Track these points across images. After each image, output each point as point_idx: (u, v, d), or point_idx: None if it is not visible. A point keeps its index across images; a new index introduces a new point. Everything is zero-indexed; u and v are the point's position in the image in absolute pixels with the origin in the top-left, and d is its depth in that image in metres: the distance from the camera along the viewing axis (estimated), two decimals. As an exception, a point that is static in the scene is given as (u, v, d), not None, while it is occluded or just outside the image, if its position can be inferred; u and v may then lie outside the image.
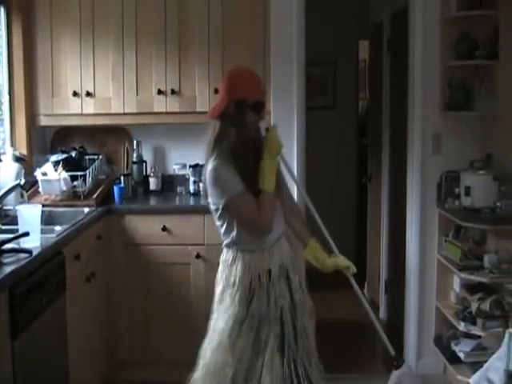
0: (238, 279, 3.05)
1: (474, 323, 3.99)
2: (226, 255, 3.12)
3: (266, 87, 3.19)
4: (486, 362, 3.33)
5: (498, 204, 4.01)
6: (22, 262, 2.90)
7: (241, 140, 2.98)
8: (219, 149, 3.00)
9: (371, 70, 6.60)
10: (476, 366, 3.77)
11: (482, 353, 3.96)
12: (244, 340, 3.01)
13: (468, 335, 4.09)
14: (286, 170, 3.19)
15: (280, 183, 3.12)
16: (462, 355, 4.05)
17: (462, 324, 4.05)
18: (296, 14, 4.57)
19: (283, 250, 3.12)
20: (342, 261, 3.21)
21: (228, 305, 3.07)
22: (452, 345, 4.19)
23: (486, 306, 3.93)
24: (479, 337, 4.03)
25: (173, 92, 4.50)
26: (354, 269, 3.23)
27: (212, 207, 3.09)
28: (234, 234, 3.05)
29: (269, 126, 3.06)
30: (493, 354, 3.32)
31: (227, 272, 3.09)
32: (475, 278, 4.01)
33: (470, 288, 4.16)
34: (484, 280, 3.98)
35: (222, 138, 3.02)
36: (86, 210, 4.13)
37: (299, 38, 4.60)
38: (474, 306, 4.00)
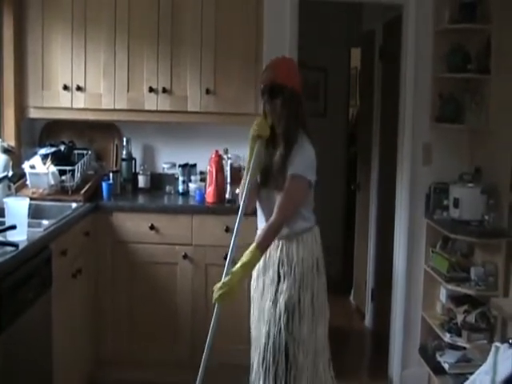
0: None
1: (460, 335, 4.01)
2: None
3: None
4: (470, 373, 3.34)
5: (486, 217, 4.03)
6: (8, 256, 2.86)
7: None
8: None
9: (362, 77, 6.61)
10: (460, 377, 3.80)
11: (466, 364, 3.98)
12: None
13: (453, 346, 4.11)
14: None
15: (280, 181, 3.10)
16: (446, 366, 4.06)
17: (448, 335, 4.07)
18: (289, 18, 4.58)
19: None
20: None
21: None
22: (437, 355, 4.19)
23: (471, 318, 3.96)
24: (464, 348, 4.05)
25: (164, 90, 4.45)
26: (214, 296, 2.96)
27: None
28: None
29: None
30: (477, 366, 3.33)
31: None
32: (461, 289, 4.03)
33: (457, 299, 4.18)
34: (470, 292, 4.00)
35: None
36: (74, 205, 4.08)
37: (292, 42, 4.61)
38: (459, 318, 4.02)
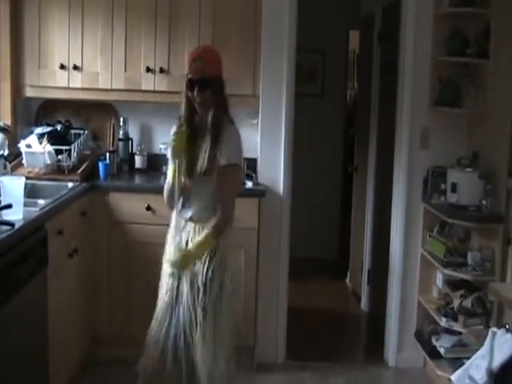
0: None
1: (456, 319, 4.00)
2: None
3: (229, 67, 3.27)
4: (466, 358, 3.35)
5: (484, 202, 4.02)
6: (4, 235, 2.84)
7: (185, 113, 3.17)
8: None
9: (361, 60, 6.59)
10: (456, 361, 3.82)
11: (462, 349, 4.00)
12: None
13: (449, 331, 4.11)
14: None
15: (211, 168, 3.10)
16: (442, 350, 4.07)
17: (444, 319, 4.07)
18: (289, -1, 4.53)
19: (188, 234, 3.19)
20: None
21: None
22: (433, 340, 4.20)
23: (467, 303, 3.95)
24: (460, 333, 4.06)
25: (161, 71, 4.43)
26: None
27: None
28: None
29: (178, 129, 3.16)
30: (473, 350, 3.34)
31: None
32: (458, 274, 4.03)
33: (453, 284, 4.17)
34: (467, 277, 4.00)
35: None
36: (70, 184, 4.05)
37: (291, 23, 4.55)
38: (456, 303, 4.02)
